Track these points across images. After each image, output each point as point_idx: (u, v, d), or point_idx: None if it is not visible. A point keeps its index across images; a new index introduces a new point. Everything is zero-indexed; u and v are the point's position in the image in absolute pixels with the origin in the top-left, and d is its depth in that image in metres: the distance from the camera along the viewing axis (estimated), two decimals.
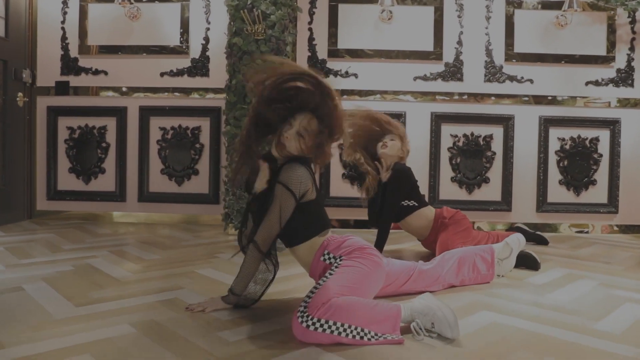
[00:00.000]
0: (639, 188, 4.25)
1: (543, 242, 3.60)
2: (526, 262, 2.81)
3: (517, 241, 2.65)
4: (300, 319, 1.65)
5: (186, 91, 4.30)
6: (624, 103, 4.22)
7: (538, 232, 3.70)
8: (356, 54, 4.22)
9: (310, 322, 1.64)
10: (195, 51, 4.29)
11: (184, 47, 4.29)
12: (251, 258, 1.94)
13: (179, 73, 4.30)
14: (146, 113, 4.30)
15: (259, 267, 1.98)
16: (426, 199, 3.93)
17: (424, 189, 4.10)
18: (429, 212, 3.12)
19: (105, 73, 4.31)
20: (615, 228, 4.24)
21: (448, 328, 1.69)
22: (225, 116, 3.84)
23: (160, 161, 4.31)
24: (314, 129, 1.94)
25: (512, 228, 3.95)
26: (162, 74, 4.29)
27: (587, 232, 4.23)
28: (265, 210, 1.93)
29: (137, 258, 2.90)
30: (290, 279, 2.45)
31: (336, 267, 1.88)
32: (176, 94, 4.30)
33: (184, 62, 4.30)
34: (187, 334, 1.72)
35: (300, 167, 1.93)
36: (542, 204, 4.21)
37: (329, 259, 1.97)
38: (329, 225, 2.09)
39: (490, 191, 4.21)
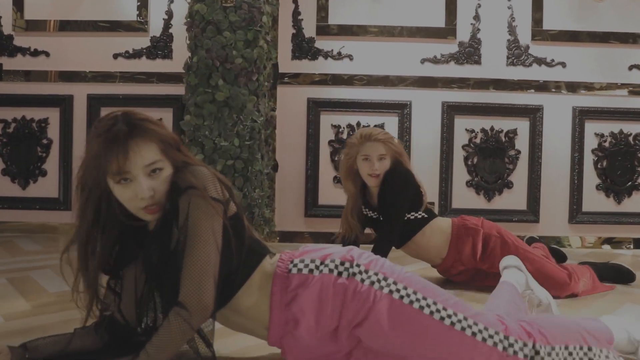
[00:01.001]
0: None
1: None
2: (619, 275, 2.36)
3: None
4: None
5: (145, 76, 3.56)
6: None
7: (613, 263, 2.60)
8: (351, 30, 3.49)
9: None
10: (155, 28, 3.57)
11: (142, 23, 3.55)
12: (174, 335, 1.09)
13: (136, 54, 3.57)
14: (96, 103, 3.57)
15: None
16: (435, 209, 3.20)
17: (433, 196, 3.35)
18: (443, 223, 2.35)
19: (47, 54, 3.58)
20: None
21: None
22: (185, 103, 3.09)
23: None
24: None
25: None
26: (115, 56, 3.57)
27: (629, 248, 3.49)
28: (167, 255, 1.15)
29: (39, 291, 2.12)
30: None
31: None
32: (133, 79, 3.57)
33: (142, 42, 3.57)
34: None
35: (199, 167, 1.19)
36: (577, 213, 3.48)
37: (305, 267, 1.22)
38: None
39: (514, 198, 3.49)
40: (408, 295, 1.17)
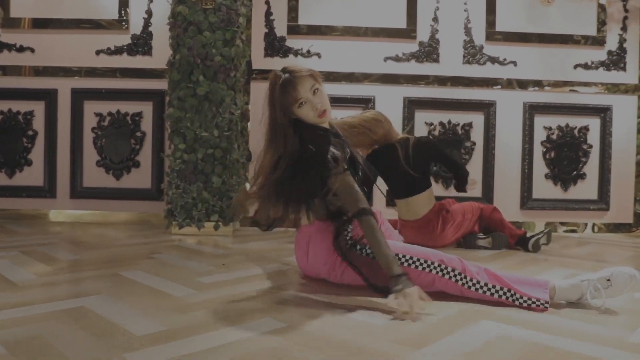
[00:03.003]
0: (631, 182, 3.85)
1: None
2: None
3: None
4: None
5: (126, 72, 3.75)
6: (614, 90, 3.81)
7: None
8: (319, 30, 3.73)
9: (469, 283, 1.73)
10: (136, 26, 3.76)
11: (123, 21, 3.75)
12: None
13: (118, 51, 3.76)
14: (79, 96, 3.74)
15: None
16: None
17: None
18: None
19: (32, 50, 3.75)
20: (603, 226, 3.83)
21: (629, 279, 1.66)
22: (168, 97, 3.31)
23: (95, 152, 3.76)
24: None
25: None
26: (97, 52, 3.75)
27: (575, 232, 3.81)
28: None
29: (51, 259, 2.35)
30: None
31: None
32: (115, 75, 3.75)
33: (123, 39, 3.76)
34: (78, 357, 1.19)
35: None
36: (527, 200, 3.78)
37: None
38: None
39: None
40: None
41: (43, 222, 3.69)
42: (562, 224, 3.81)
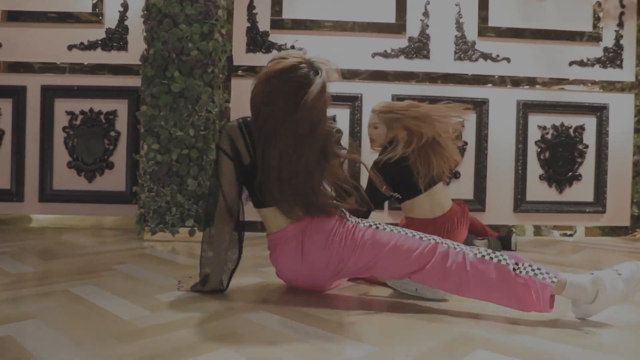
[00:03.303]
0: (628, 184, 3.71)
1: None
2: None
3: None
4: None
5: (100, 68, 3.54)
6: (607, 88, 3.67)
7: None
8: (304, 25, 3.55)
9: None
10: (111, 20, 3.56)
11: (97, 14, 3.54)
12: None
13: (91, 46, 3.55)
14: (50, 94, 3.53)
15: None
16: None
17: None
18: None
19: None
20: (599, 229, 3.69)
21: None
22: (142, 93, 3.11)
23: (67, 152, 3.54)
24: None
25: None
26: (70, 47, 3.54)
27: (570, 235, 3.65)
28: None
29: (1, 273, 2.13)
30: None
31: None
32: (88, 71, 3.54)
33: (97, 33, 3.56)
34: None
35: None
36: (521, 202, 3.62)
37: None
38: None
39: (461, 187, 3.60)
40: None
41: (9, 228, 3.46)
42: (557, 227, 3.66)
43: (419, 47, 3.58)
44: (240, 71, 3.51)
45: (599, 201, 3.67)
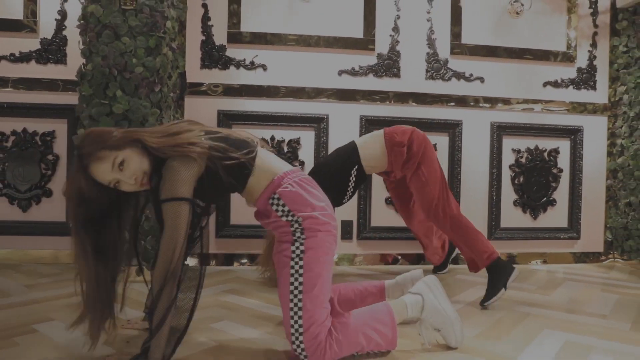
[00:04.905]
0: (601, 209, 3.59)
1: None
2: None
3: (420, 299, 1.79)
4: None
5: (34, 83, 3.15)
6: (580, 109, 3.53)
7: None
8: (265, 39, 3.25)
9: None
10: (46, 29, 3.18)
11: (30, 22, 3.15)
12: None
13: (24, 58, 3.16)
14: None
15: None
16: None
17: (352, 213, 3.22)
18: None
19: None
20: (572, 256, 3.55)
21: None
22: (79, 115, 2.74)
23: None
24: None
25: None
26: None
27: (545, 263, 3.50)
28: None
29: None
30: None
31: (296, 249, 1.57)
32: (20, 86, 3.15)
33: (30, 44, 3.17)
34: None
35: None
36: (495, 230, 3.44)
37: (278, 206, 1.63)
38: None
39: None
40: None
41: None
42: (532, 254, 3.49)
43: (389, 65, 3.34)
44: (193, 89, 3.19)
45: (573, 227, 3.53)
